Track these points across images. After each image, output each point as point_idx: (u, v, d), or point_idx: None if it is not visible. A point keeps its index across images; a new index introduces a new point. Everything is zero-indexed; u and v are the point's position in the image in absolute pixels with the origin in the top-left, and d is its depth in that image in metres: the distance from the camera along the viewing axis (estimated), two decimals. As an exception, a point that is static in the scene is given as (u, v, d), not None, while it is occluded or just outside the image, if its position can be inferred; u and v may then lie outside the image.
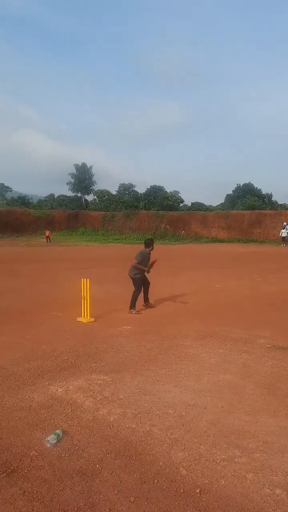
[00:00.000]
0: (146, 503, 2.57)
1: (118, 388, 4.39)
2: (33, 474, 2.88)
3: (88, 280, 7.85)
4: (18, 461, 3.04)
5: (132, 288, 8.99)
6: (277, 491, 2.66)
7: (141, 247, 9.58)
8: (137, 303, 8.80)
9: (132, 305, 8.71)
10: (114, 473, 2.88)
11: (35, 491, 2.69)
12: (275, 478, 2.81)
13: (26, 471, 2.92)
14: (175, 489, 2.71)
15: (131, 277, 9.08)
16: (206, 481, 2.79)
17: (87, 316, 7.80)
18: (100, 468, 2.94)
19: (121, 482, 2.78)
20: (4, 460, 3.05)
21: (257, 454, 3.10)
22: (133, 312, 8.60)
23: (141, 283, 9.09)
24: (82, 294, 7.85)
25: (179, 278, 14.63)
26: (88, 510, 2.50)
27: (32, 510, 2.51)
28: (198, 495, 2.64)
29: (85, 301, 7.81)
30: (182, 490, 2.69)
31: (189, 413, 3.79)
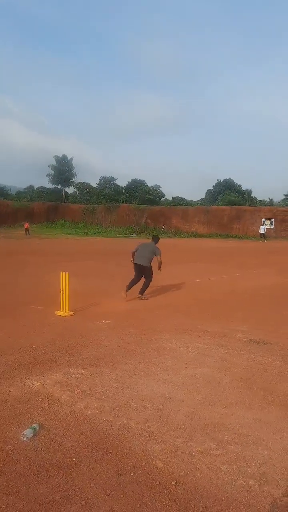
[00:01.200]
0: (122, 496, 2.59)
1: (96, 382, 4.39)
2: (8, 468, 2.86)
3: (67, 273, 7.80)
4: (-6, 455, 3.01)
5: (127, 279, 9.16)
6: (250, 482, 2.72)
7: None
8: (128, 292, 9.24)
9: (142, 291, 9.53)
10: (90, 466, 2.89)
11: (10, 485, 2.67)
12: (248, 469, 2.86)
13: (1, 465, 2.90)
14: (151, 481, 2.74)
15: (144, 266, 9.64)
16: (182, 473, 2.82)
17: (65, 309, 7.76)
18: (76, 462, 2.95)
19: (97, 475, 2.79)
20: (-20, 455, 3.02)
21: (232, 446, 3.15)
22: (143, 298, 9.43)
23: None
24: (61, 288, 7.80)
25: (159, 273, 14.67)
26: (64, 503, 2.51)
27: (7, 503, 2.49)
28: (174, 487, 2.68)
29: (64, 294, 7.76)
30: (158, 482, 2.72)
31: (166, 406, 3.83)
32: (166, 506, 2.50)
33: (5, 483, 2.70)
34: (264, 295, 10.56)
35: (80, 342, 5.91)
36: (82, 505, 2.50)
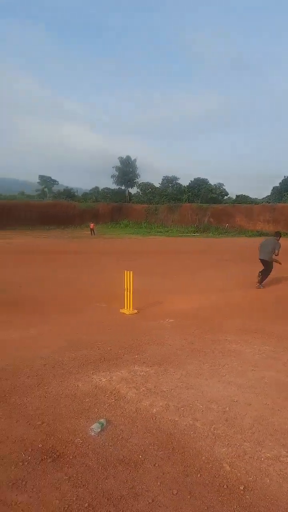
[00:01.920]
0: (189, 497, 2.56)
1: (161, 380, 4.40)
2: (78, 461, 2.94)
3: (131, 272, 7.91)
4: (64, 447, 3.12)
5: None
6: None
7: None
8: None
9: (261, 281, 10.83)
10: (157, 465, 2.89)
11: (79, 478, 2.75)
12: None
13: (71, 457, 2.99)
14: (218, 484, 2.68)
15: (265, 260, 10.77)
16: (250, 478, 2.74)
17: (130, 307, 7.87)
18: (143, 459, 2.96)
19: (163, 474, 2.79)
20: (51, 446, 3.13)
21: (304, 455, 3.01)
22: (261, 287, 10.73)
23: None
24: (125, 286, 7.92)
25: (225, 272, 14.44)
26: (131, 499, 2.53)
27: (77, 495, 2.56)
28: (242, 492, 2.60)
29: (128, 292, 7.88)
30: (225, 486, 2.66)
31: (232, 409, 3.74)
32: None
33: (74, 475, 2.77)
34: None
35: (144, 340, 5.96)
36: (149, 502, 2.51)
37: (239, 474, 2.78)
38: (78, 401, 3.91)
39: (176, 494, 2.59)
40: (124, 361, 5.03)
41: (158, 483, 2.69)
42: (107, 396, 4.00)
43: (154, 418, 3.56)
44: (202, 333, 6.39)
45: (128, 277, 7.91)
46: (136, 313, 7.79)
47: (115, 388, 4.19)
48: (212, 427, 3.41)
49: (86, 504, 2.49)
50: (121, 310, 7.90)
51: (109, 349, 5.53)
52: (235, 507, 2.48)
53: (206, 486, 2.67)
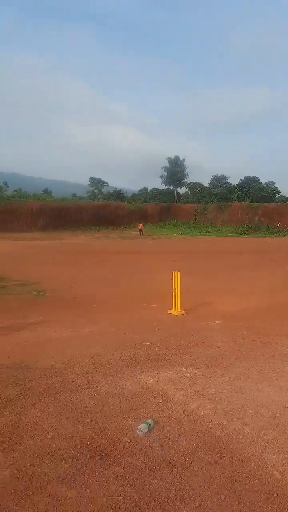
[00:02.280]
0: (237, 503, 2.51)
1: (209, 383, 4.34)
2: (125, 460, 2.96)
3: (179, 272, 7.88)
4: (112, 446, 3.15)
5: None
6: None
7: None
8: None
9: None
10: (204, 468, 2.85)
11: (127, 477, 2.77)
12: None
13: (118, 456, 3.02)
14: (268, 492, 2.60)
15: None
16: (303, 488, 2.63)
17: (178, 308, 7.84)
18: (190, 462, 2.94)
19: (211, 478, 2.75)
20: (99, 444, 3.18)
21: None
22: None
23: None
24: (173, 287, 7.90)
25: (275, 273, 14.04)
26: (178, 502, 2.51)
27: (124, 495, 2.58)
28: (294, 502, 2.51)
29: (176, 293, 7.85)
30: (275, 495, 2.58)
31: (284, 415, 3.62)
32: (285, 522, 2.36)
33: (122, 474, 2.80)
34: None
35: (192, 341, 5.91)
36: (196, 506, 2.48)
37: (290, 483, 2.69)
38: (126, 401, 3.94)
39: (224, 499, 2.54)
40: (172, 362, 5.01)
41: (206, 487, 2.65)
42: (155, 397, 4.01)
43: (201, 421, 3.52)
44: (251, 335, 6.24)
45: (176, 277, 7.89)
46: (184, 313, 7.74)
47: (162, 389, 4.19)
48: (262, 432, 3.32)
49: (133, 504, 2.50)
50: (169, 311, 7.89)
51: (156, 349, 5.54)
52: (286, 517, 2.39)
53: (255, 493, 2.60)
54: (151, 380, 4.41)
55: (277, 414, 3.63)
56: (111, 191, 74.70)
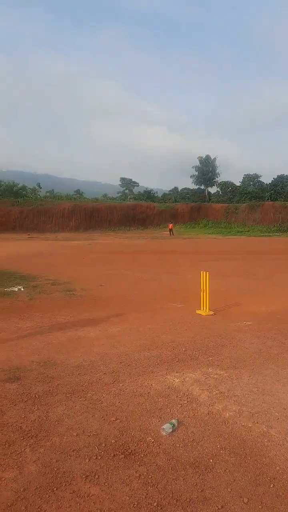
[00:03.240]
0: (260, 507, 2.47)
1: (235, 384, 4.29)
2: (148, 460, 2.98)
3: (207, 273, 7.83)
4: (135, 445, 3.18)
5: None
6: None
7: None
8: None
9: None
10: (227, 471, 2.83)
11: (150, 476, 2.78)
12: None
13: (142, 455, 3.03)
14: (293, 498, 2.56)
15: None
16: None
17: (206, 309, 7.79)
18: (213, 463, 2.92)
19: (234, 480, 2.73)
20: (123, 442, 3.21)
21: None
22: None
23: None
24: (202, 287, 7.86)
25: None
26: (200, 503, 2.51)
27: (147, 494, 2.60)
28: None
29: (204, 294, 7.80)
30: (300, 500, 2.53)
31: (311, 419, 3.54)
32: (309, 528, 2.31)
33: (145, 473, 2.82)
34: None
35: (219, 342, 5.86)
36: (218, 508, 2.47)
37: (316, 490, 2.63)
38: (151, 400, 3.96)
39: (247, 502, 2.52)
40: (198, 363, 4.99)
41: (228, 490, 2.63)
42: (180, 397, 4.00)
43: (226, 423, 3.49)
44: (281, 337, 6.13)
45: (205, 278, 7.84)
46: (212, 314, 7.69)
47: (187, 389, 4.18)
48: (288, 436, 3.26)
49: (155, 503, 2.51)
50: (198, 311, 7.85)
51: (183, 350, 5.53)
52: (310, 523, 2.35)
53: (279, 498, 2.55)
54: (177, 381, 4.41)
55: (305, 418, 3.56)
56: (142, 191, 74.96)
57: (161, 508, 2.47)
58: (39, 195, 64.72)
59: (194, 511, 2.44)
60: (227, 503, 2.52)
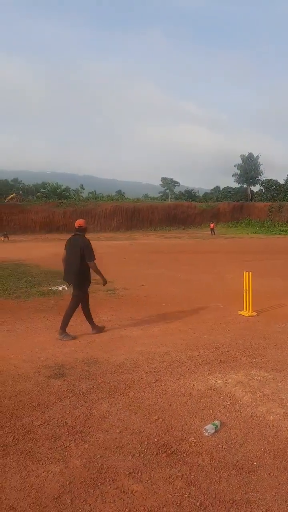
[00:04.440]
0: (306, 512, 2.42)
1: (280, 387, 4.20)
2: (191, 459, 2.98)
3: (250, 273, 7.70)
4: (178, 444, 3.19)
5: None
6: None
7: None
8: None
9: None
10: (272, 474, 2.79)
11: (192, 476, 2.78)
12: None
13: (184, 455, 3.04)
14: None
15: None
16: None
17: (249, 309, 7.66)
18: (257, 466, 2.88)
19: (279, 484, 2.68)
20: (165, 441, 3.23)
21: None
22: None
23: None
24: (244, 287, 7.74)
25: None
26: (244, 505, 2.48)
27: (190, 493, 2.60)
28: None
29: (247, 294, 7.68)
30: None
31: None
32: None
33: (187, 473, 2.82)
34: None
35: (263, 344, 5.76)
36: (262, 511, 2.43)
37: None
38: (193, 401, 3.95)
39: (292, 508, 2.47)
40: (241, 364, 4.93)
41: (273, 493, 2.59)
42: (222, 398, 3.97)
43: (270, 426, 3.43)
44: None
45: (247, 278, 7.72)
46: (255, 315, 7.55)
47: (230, 391, 4.14)
48: None
49: (198, 503, 2.51)
50: (240, 312, 7.74)
51: (226, 350, 5.47)
52: None
53: None
54: (219, 382, 4.38)
55: None
56: (183, 191, 74.73)
57: (204, 508, 2.47)
58: (82, 196, 66.01)
59: (238, 513, 2.43)
60: (271, 506, 2.48)
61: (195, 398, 4.01)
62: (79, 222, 6.58)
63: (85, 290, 6.46)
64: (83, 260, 6.17)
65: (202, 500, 2.54)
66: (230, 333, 6.38)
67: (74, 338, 6.19)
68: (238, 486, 2.68)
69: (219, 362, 5.03)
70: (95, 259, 6.25)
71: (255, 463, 2.92)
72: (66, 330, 6.23)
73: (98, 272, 6.32)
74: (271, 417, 3.58)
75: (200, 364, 4.97)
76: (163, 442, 3.22)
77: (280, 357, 5.17)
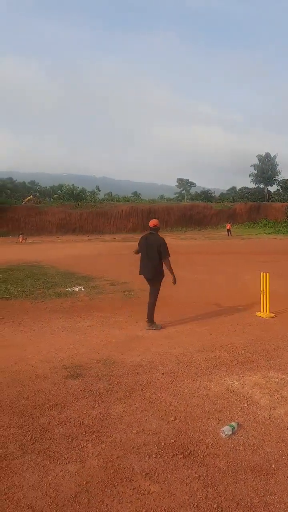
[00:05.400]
0: None
1: (298, 389, 4.15)
2: (208, 461, 2.97)
3: (267, 274, 7.62)
4: (195, 445, 3.18)
5: None
6: None
7: None
8: None
9: None
10: (290, 477, 2.75)
11: (209, 478, 2.77)
12: None
13: (201, 456, 3.03)
14: None
15: None
16: None
17: (266, 311, 7.59)
18: (275, 469, 2.85)
19: (297, 487, 2.65)
20: (182, 442, 3.22)
21: None
22: None
23: None
24: (261, 288, 7.67)
25: None
26: (262, 508, 2.46)
27: (207, 495, 2.59)
28: None
29: (264, 295, 7.60)
30: None
31: None
32: None
33: (204, 474, 2.81)
34: None
35: (281, 345, 5.70)
36: (280, 514, 2.41)
37: None
38: (210, 402, 3.93)
39: (311, 511, 2.43)
40: (258, 366, 4.89)
41: (291, 497, 2.56)
42: (239, 400, 3.94)
43: (288, 428, 3.39)
44: None
45: (265, 279, 7.65)
46: (273, 316, 7.47)
47: (247, 392, 4.10)
48: None
49: (215, 505, 2.50)
50: (257, 313, 7.67)
51: (243, 352, 5.43)
52: None
53: None
54: (236, 383, 4.34)
55: None
56: (199, 192, 74.45)
57: (221, 510, 2.46)
58: (98, 197, 66.36)
59: (256, 516, 2.40)
60: (289, 509, 2.45)
61: (212, 400, 3.99)
62: (153, 222, 7.20)
63: (160, 282, 7.13)
64: (159, 256, 6.83)
65: (220, 502, 2.53)
66: (247, 334, 6.33)
67: (161, 327, 6.80)
68: (256, 488, 2.65)
69: (236, 364, 4.99)
70: (170, 256, 6.88)
71: (273, 466, 2.89)
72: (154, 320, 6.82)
73: (170, 269, 6.95)
74: (289, 419, 3.53)
75: (216, 366, 4.94)
76: (180, 443, 3.21)
77: (299, 359, 5.10)
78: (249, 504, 2.50)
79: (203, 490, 2.65)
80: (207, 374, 4.66)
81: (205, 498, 2.57)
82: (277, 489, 2.64)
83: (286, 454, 3.02)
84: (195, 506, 2.50)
